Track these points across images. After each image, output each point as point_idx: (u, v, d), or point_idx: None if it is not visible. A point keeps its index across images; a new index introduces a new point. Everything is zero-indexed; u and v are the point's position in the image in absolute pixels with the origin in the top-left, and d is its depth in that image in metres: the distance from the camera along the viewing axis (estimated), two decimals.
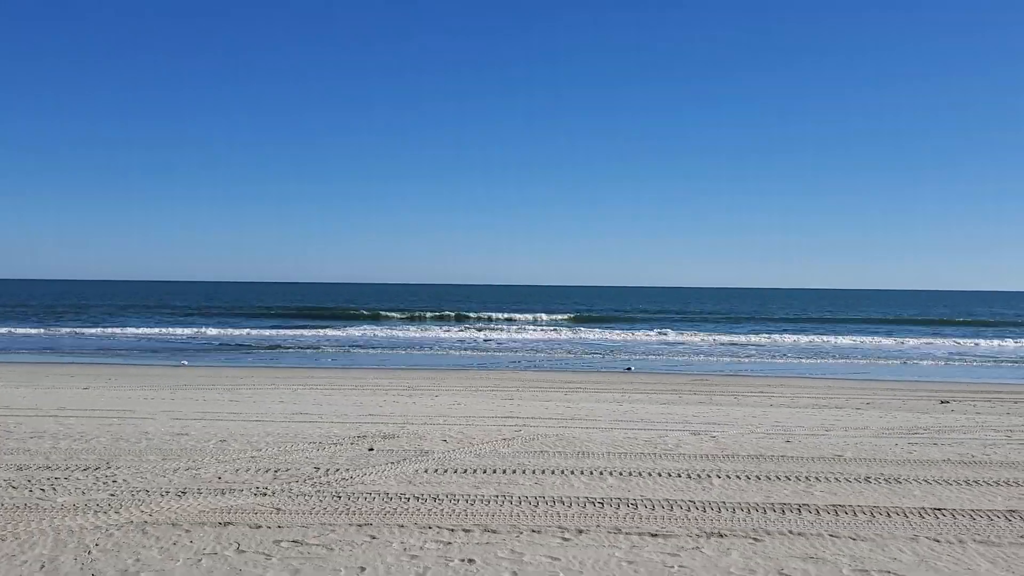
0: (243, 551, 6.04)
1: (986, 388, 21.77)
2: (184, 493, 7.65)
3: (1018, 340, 45.25)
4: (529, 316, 65.05)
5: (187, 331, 45.85)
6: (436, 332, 48.60)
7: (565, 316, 66.21)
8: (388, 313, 67.30)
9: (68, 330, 46.37)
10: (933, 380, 25.05)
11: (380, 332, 47.46)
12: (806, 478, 8.67)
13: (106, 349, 34.69)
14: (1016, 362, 33.60)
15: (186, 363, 27.62)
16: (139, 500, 7.37)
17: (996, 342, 43.85)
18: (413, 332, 48.11)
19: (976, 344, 42.93)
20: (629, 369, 27.28)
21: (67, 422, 12.06)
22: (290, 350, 35.22)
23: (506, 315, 66.02)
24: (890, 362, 32.43)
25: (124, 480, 8.17)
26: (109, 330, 46.32)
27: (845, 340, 45.05)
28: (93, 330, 46.33)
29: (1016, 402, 17.65)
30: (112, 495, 7.55)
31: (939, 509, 7.43)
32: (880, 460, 9.76)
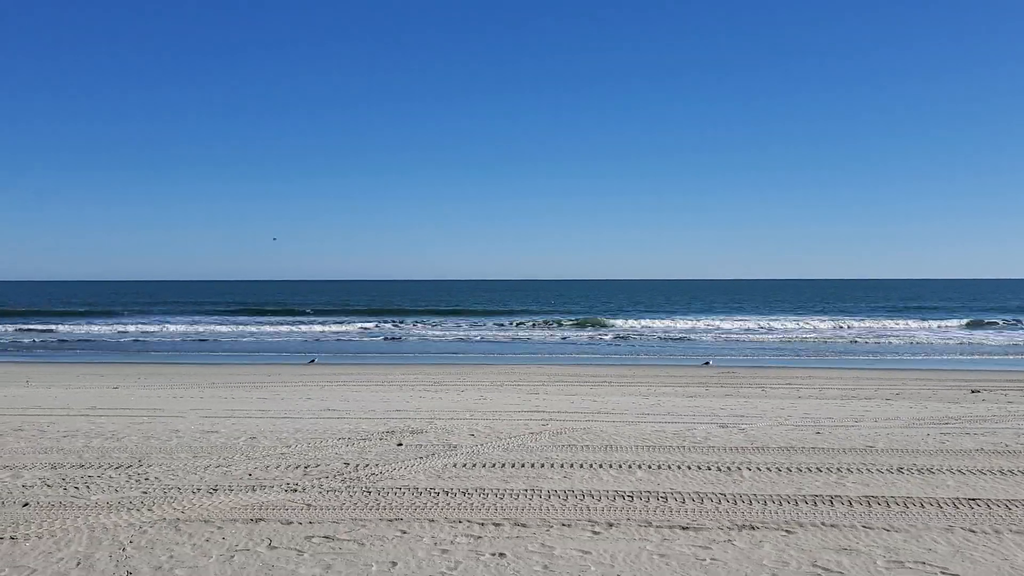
0: (275, 547, 6.08)
1: (1017, 377, 21.49)
2: (215, 490, 7.70)
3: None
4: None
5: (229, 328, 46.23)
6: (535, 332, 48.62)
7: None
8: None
9: (134, 327, 46.92)
10: (962, 369, 24.78)
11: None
12: (837, 469, 8.59)
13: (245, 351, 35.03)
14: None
15: (316, 359, 27.71)
16: (171, 497, 7.43)
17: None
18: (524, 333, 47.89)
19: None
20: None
21: (98, 421, 12.18)
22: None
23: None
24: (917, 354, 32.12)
25: (156, 478, 8.24)
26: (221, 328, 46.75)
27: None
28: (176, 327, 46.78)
29: None
30: (145, 493, 7.62)
31: (974, 499, 7.34)
32: (912, 451, 9.66)
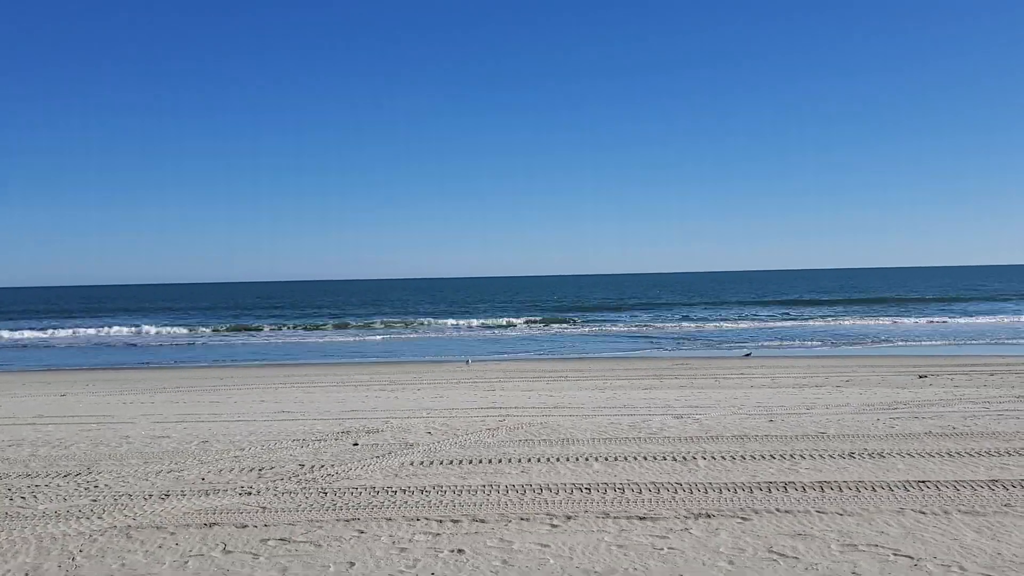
0: (230, 551, 5.98)
1: (962, 362, 21.99)
2: (167, 496, 7.56)
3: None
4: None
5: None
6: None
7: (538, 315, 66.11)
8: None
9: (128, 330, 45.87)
10: (910, 355, 25.29)
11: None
12: (791, 456, 8.70)
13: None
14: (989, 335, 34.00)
15: (469, 360, 26.40)
16: (122, 504, 7.28)
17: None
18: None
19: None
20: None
21: (45, 429, 11.90)
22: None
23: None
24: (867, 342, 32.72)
25: (106, 485, 8.07)
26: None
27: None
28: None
29: (992, 374, 17.84)
30: (94, 500, 7.46)
31: (923, 482, 7.48)
32: (863, 436, 9.83)
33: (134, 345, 39.30)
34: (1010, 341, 31.37)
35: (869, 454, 8.73)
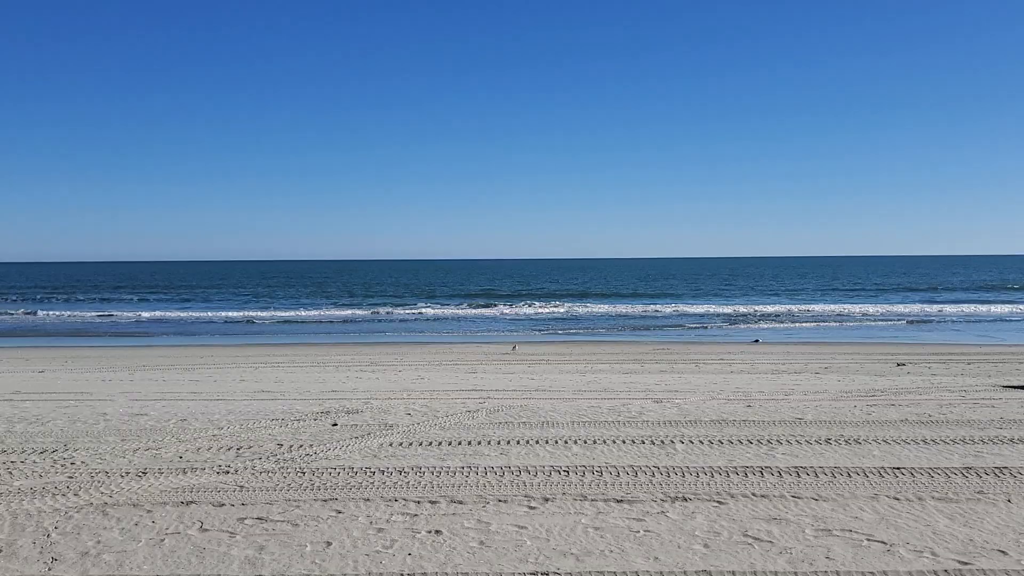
0: (206, 530, 5.96)
1: (940, 350, 22.19)
2: (145, 473, 7.53)
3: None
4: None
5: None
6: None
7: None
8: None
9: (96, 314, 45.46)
10: (889, 343, 25.48)
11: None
12: (768, 441, 8.76)
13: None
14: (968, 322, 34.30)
15: (515, 345, 25.72)
16: (98, 482, 7.24)
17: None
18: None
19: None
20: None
21: (23, 405, 11.81)
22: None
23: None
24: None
25: (83, 462, 8.02)
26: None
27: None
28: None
29: (969, 363, 18.01)
30: (71, 477, 7.41)
31: (898, 468, 7.55)
32: (840, 422, 9.90)
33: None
34: (988, 330, 31.66)
35: (845, 440, 8.80)
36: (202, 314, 44.20)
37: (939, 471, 7.44)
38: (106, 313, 44.77)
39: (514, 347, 24.22)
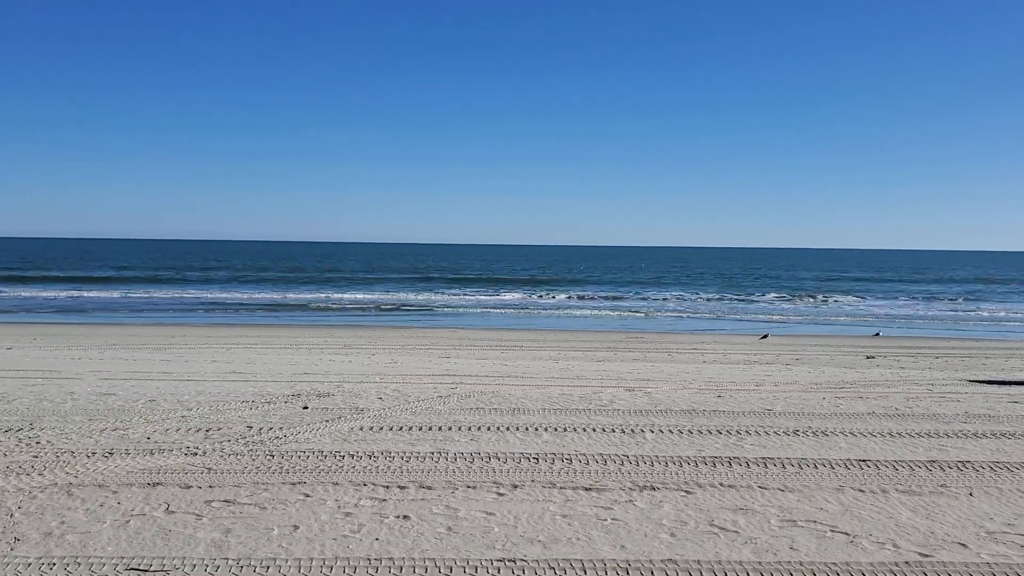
0: (172, 511, 5.93)
1: (909, 344, 22.44)
2: (111, 454, 7.46)
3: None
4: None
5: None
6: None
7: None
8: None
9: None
10: (859, 336, 25.73)
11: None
12: (736, 432, 8.83)
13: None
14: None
15: (880, 333, 25.75)
16: (64, 462, 7.17)
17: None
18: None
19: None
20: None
21: None
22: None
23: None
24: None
25: (48, 442, 7.94)
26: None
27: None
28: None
29: (937, 357, 18.23)
30: (35, 457, 7.33)
31: (864, 460, 7.63)
32: (808, 414, 9.99)
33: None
34: (959, 325, 32.06)
35: (813, 432, 8.88)
36: (175, 295, 43.84)
37: (903, 464, 7.53)
38: (77, 293, 44.29)
39: (766, 336, 24.22)
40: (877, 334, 26.72)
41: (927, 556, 5.24)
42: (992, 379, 14.08)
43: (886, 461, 7.62)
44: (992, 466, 7.50)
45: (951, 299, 47.65)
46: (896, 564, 5.10)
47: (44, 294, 41.73)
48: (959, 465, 7.52)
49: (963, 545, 5.46)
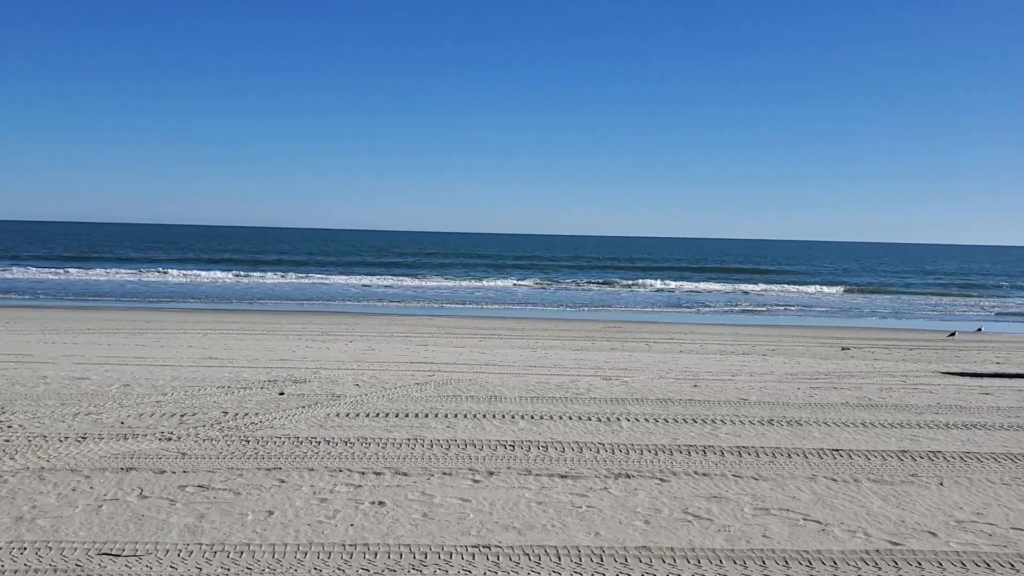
0: (146, 496, 5.90)
1: (884, 335, 22.64)
2: (84, 438, 7.41)
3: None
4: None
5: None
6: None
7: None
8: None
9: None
10: (835, 327, 25.93)
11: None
12: (712, 421, 8.88)
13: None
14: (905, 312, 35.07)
15: (982, 328, 25.28)
16: (36, 446, 7.11)
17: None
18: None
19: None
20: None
21: None
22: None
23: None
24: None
25: (20, 425, 7.87)
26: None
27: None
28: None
29: (911, 348, 18.41)
30: (7, 441, 7.26)
31: (837, 450, 7.71)
32: (783, 404, 10.07)
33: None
34: (930, 317, 32.39)
35: (787, 422, 8.95)
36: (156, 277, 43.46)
37: (876, 454, 7.61)
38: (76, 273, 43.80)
39: (979, 329, 23.65)
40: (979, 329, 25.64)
41: (897, 544, 5.30)
42: (964, 371, 14.24)
43: (859, 451, 7.70)
44: (963, 456, 7.59)
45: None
46: (867, 552, 5.16)
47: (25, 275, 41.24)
48: (930, 455, 7.61)
49: (933, 534, 5.53)
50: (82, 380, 10.51)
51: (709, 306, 35.19)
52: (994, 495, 6.46)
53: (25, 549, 4.88)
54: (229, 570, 4.67)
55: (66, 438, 7.41)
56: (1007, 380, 13.11)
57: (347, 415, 8.73)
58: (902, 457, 7.53)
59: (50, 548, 4.91)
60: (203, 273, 46.21)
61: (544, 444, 7.62)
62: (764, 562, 4.97)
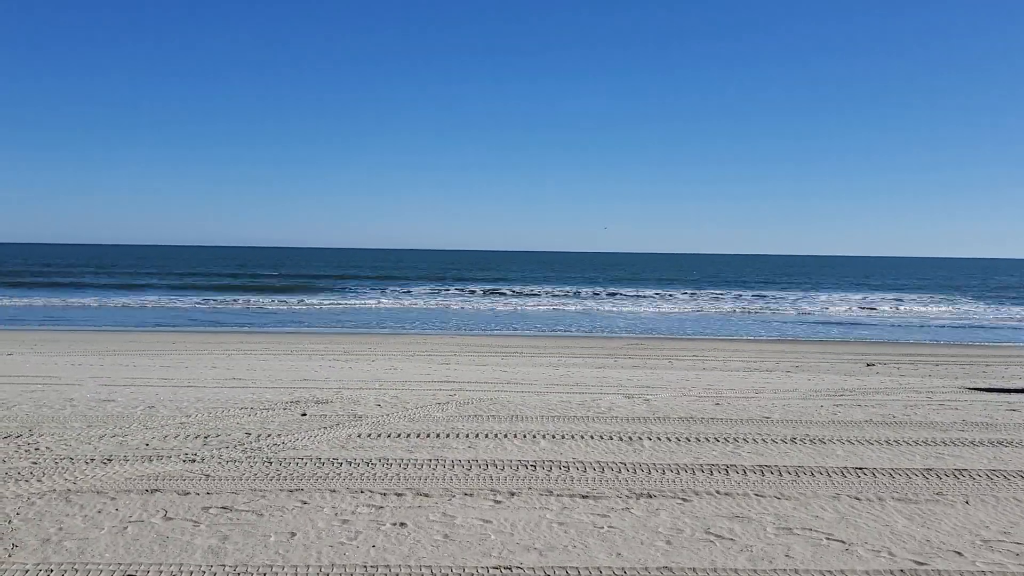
0: (170, 518, 5.95)
1: (910, 350, 22.44)
2: (110, 460, 7.49)
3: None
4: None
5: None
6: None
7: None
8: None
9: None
10: (860, 343, 25.73)
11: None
12: (734, 439, 8.84)
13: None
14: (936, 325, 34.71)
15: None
16: (62, 468, 7.19)
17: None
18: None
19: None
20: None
21: None
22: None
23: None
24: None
25: (47, 448, 7.96)
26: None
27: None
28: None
29: (937, 364, 18.23)
30: (34, 463, 7.36)
31: (860, 468, 7.64)
32: (806, 421, 10.00)
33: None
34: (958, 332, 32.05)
35: (811, 440, 8.89)
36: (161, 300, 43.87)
37: (900, 472, 7.54)
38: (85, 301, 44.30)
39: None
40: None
41: (922, 564, 5.26)
42: (992, 387, 14.09)
43: (883, 469, 7.64)
44: (989, 474, 7.51)
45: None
46: (891, 572, 5.11)
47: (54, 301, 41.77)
48: (956, 473, 7.53)
49: (958, 553, 5.48)
50: (107, 402, 10.62)
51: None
52: (1021, 513, 6.38)
53: (52, 571, 4.94)
54: None
55: (92, 460, 7.49)
56: None
57: (369, 435, 8.76)
58: (927, 475, 7.45)
59: (76, 570, 4.96)
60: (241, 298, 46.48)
61: (566, 464, 7.61)
62: None
